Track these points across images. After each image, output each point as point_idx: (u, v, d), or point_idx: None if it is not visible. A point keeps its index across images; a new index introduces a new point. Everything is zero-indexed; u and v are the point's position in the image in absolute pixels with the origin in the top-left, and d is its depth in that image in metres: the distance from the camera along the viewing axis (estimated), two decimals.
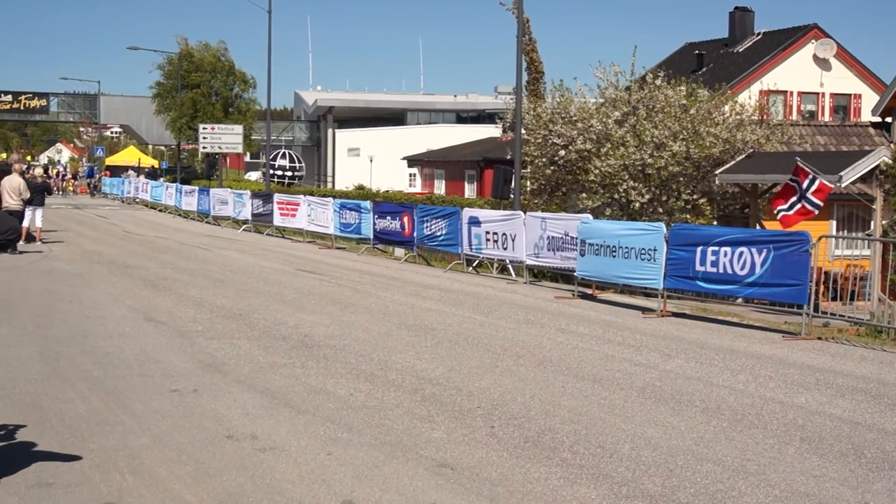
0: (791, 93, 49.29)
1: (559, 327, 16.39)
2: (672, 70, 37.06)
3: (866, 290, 20.74)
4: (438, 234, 27.12)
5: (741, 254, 16.81)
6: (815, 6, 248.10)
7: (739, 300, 18.62)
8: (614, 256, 19.53)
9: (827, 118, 47.53)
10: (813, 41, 49.53)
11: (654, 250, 18.53)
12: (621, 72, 30.30)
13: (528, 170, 31.15)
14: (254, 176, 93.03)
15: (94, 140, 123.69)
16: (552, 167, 30.15)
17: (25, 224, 28.05)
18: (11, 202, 26.87)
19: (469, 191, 56.96)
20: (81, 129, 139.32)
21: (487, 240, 24.89)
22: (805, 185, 19.99)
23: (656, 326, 16.85)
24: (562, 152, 29.19)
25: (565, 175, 30.05)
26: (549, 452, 8.79)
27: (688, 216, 27.02)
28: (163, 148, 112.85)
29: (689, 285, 18.18)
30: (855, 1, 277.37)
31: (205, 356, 12.91)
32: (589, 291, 20.94)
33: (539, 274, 24.87)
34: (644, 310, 18.76)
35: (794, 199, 20.04)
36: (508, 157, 30.39)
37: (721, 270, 17.18)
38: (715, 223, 27.84)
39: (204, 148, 58.16)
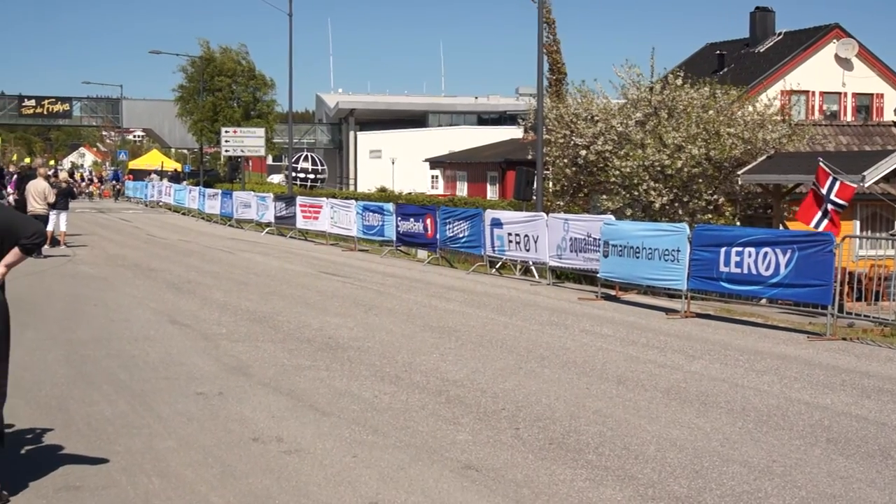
0: (813, 93, 49.12)
1: (583, 329, 16.37)
2: (693, 71, 36.98)
3: (891, 290, 20.66)
4: (461, 235, 27.12)
5: (765, 254, 16.76)
6: (837, 6, 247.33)
7: (763, 301, 18.56)
8: (637, 257, 19.50)
9: (849, 118, 47.32)
10: (834, 41, 49.34)
11: (678, 251, 18.50)
12: (642, 74, 30.26)
13: (550, 171, 31.13)
14: (276, 179, 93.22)
15: (117, 144, 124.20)
16: (574, 168, 30.13)
17: (50, 228, 28.17)
18: (37, 206, 27.00)
19: (491, 192, 56.93)
20: (104, 133, 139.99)
21: (510, 241, 24.86)
22: (826, 188, 19.92)
23: (680, 327, 16.82)
24: (583, 152, 29.17)
25: (587, 176, 30.03)
26: (574, 454, 8.78)
27: (709, 217, 26.95)
28: (185, 151, 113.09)
29: (712, 286, 18.14)
30: (877, 0, 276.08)
31: (229, 359, 12.96)
32: (612, 292, 20.91)
33: (562, 275, 24.85)
34: (668, 311, 18.73)
35: (819, 214, 19.92)
36: (530, 156, 30.35)
37: (745, 271, 17.13)
38: (737, 224, 27.76)
39: (226, 151, 58.32)
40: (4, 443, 7.79)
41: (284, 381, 11.57)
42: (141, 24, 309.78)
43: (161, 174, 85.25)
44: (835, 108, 49.85)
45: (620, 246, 20.01)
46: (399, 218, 30.31)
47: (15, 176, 33.82)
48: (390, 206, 31.46)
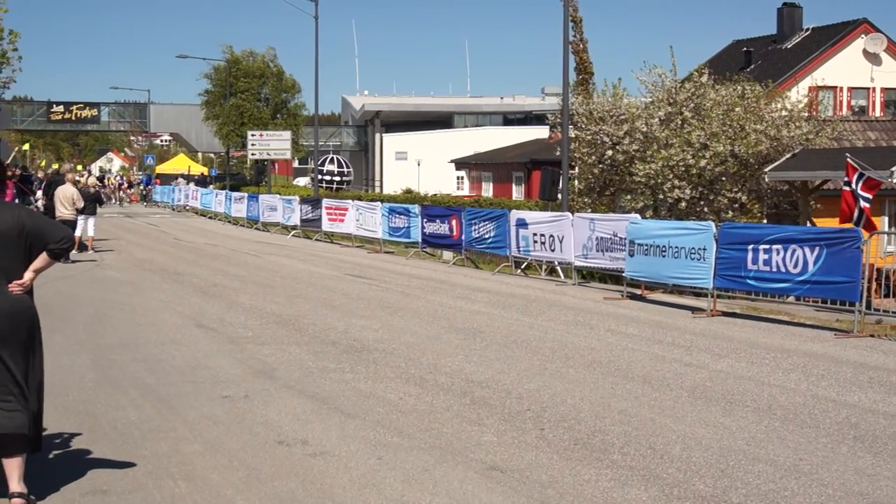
0: (841, 88, 48.88)
1: (608, 328, 16.34)
2: (719, 68, 36.87)
3: None
4: (486, 236, 27.11)
5: (793, 252, 16.71)
6: (865, 1, 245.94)
7: (791, 298, 18.47)
8: (663, 256, 19.45)
9: (878, 113, 47.11)
10: (863, 36, 49.09)
11: (704, 249, 18.44)
12: (664, 73, 30.16)
13: (577, 169, 31.09)
14: (302, 181, 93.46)
15: (145, 149, 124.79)
16: (600, 166, 30.09)
17: (77, 233, 28.28)
18: (65, 212, 27.13)
19: (517, 193, 56.93)
20: (132, 137, 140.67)
21: (535, 241, 24.83)
22: (854, 182, 19.82)
23: (706, 326, 16.77)
24: (609, 152, 29.12)
25: (613, 175, 29.98)
26: (599, 454, 8.77)
27: (735, 214, 26.86)
28: (212, 155, 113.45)
29: (739, 284, 18.07)
30: None
31: (255, 362, 12.99)
32: (638, 292, 20.86)
33: (588, 275, 24.79)
34: (693, 309, 18.67)
35: (856, 212, 19.76)
36: (557, 153, 30.30)
37: (773, 269, 17.08)
38: (765, 221, 27.66)
39: (252, 154, 58.46)
40: (41, 446, 7.85)
41: (309, 384, 11.59)
42: (168, 28, 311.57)
43: (188, 178, 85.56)
44: (863, 103, 49.60)
45: (646, 245, 19.96)
46: (424, 219, 30.32)
47: (43, 181, 33.97)
48: (416, 208, 31.48)
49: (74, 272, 24.22)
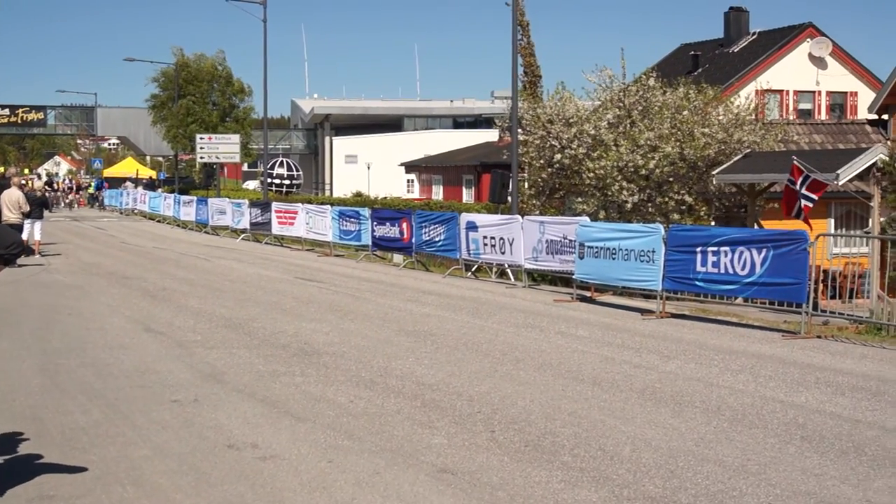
0: (787, 92, 49.31)
1: (558, 330, 16.39)
2: (668, 71, 37.09)
3: (865, 288, 20.74)
4: (437, 239, 27.12)
5: (741, 254, 16.85)
6: (811, 5, 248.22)
7: (738, 300, 18.61)
8: (613, 259, 19.54)
9: (823, 116, 47.53)
10: (808, 40, 49.57)
11: (653, 252, 18.55)
12: (613, 75, 30.30)
13: (527, 173, 31.16)
14: (252, 185, 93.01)
15: (92, 152, 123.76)
16: (549, 169, 30.17)
17: (24, 237, 28.00)
18: (11, 216, 26.89)
19: (467, 196, 56.96)
20: (79, 141, 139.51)
21: (485, 244, 24.88)
22: (799, 183, 20.00)
23: (655, 328, 16.86)
24: (558, 155, 29.21)
25: (562, 178, 30.07)
26: (549, 456, 8.79)
27: (683, 217, 27.01)
28: (161, 159, 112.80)
29: (687, 286, 18.19)
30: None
31: (204, 366, 12.92)
32: (588, 294, 20.94)
33: (538, 277, 24.86)
34: (643, 311, 18.77)
35: (795, 207, 20.02)
36: (505, 157, 30.40)
37: (721, 271, 17.22)
38: (713, 223, 27.83)
39: (201, 158, 58.11)
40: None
41: (259, 388, 11.54)
42: (115, 31, 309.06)
43: (136, 182, 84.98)
44: (809, 106, 50.04)
45: (596, 247, 20.04)
46: (375, 222, 30.30)
47: None
48: (366, 211, 31.45)
49: (21, 276, 24.00)
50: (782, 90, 48.79)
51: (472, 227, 25.54)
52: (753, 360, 13.70)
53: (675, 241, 18.22)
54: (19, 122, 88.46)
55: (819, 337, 15.77)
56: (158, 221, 54.57)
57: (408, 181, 72.72)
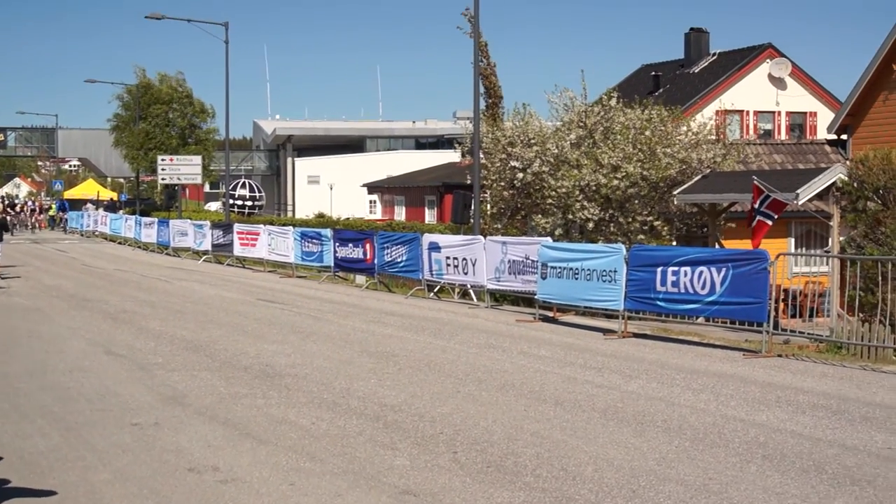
0: (747, 112, 49.61)
1: (521, 351, 16.40)
2: (629, 92, 37.26)
3: (825, 307, 20.87)
4: (399, 260, 27.12)
5: (701, 273, 16.92)
6: (770, 26, 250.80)
7: (700, 319, 18.69)
8: (576, 279, 19.57)
9: (783, 136, 47.84)
10: (768, 60, 49.91)
11: (615, 272, 18.60)
12: (575, 96, 30.39)
13: (488, 194, 31.20)
14: (214, 206, 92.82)
15: (53, 174, 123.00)
16: (511, 190, 30.21)
17: None
18: None
19: (429, 216, 57.00)
20: (39, 163, 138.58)
21: (448, 265, 24.89)
22: (758, 203, 20.17)
23: (617, 347, 16.90)
24: (520, 175, 29.26)
25: (524, 198, 30.11)
26: (511, 476, 8.78)
27: (645, 237, 27.10)
28: (122, 180, 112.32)
29: (649, 306, 18.23)
30: (808, 20, 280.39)
31: (165, 388, 12.84)
32: (550, 314, 20.97)
33: (500, 298, 24.88)
34: (605, 331, 18.81)
35: (753, 222, 20.22)
36: (468, 179, 30.48)
37: (682, 290, 17.28)
38: (674, 243, 27.93)
39: (163, 179, 57.90)
40: None
41: (221, 410, 11.49)
42: (77, 53, 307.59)
43: (97, 203, 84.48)
44: (769, 126, 50.35)
45: (559, 268, 20.08)
46: (337, 243, 30.26)
47: None
48: (328, 232, 31.40)
49: None
50: (743, 110, 49.10)
51: (434, 247, 25.55)
52: (715, 379, 13.75)
53: (637, 261, 18.28)
54: None
55: (780, 356, 15.85)
56: (119, 243, 54.25)
57: (370, 202, 72.70)
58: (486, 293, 23.97)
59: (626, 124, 28.33)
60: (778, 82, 49.96)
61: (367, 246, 28.56)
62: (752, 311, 16.23)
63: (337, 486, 8.50)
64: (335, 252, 30.23)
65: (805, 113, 50.77)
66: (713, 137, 29.65)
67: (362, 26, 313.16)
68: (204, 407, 11.68)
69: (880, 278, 16.65)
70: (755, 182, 20.56)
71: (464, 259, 24.29)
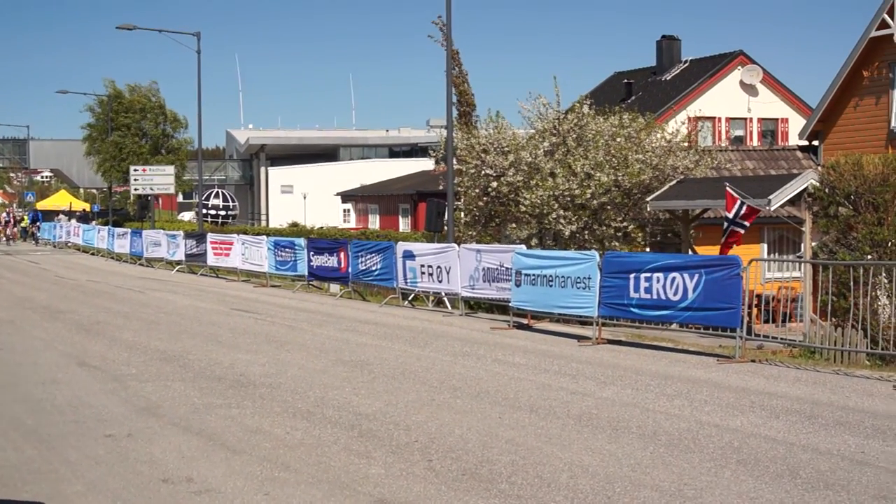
0: (719, 119, 49.77)
1: (495, 358, 16.40)
2: (601, 99, 37.34)
3: (798, 312, 20.96)
4: (373, 268, 27.09)
5: (674, 279, 16.95)
6: (741, 33, 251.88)
7: (674, 325, 18.75)
8: (550, 286, 19.59)
9: (755, 143, 48.04)
10: (739, 67, 50.09)
11: (589, 279, 18.62)
12: (547, 104, 30.44)
13: (462, 201, 31.23)
14: (187, 216, 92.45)
15: (25, 185, 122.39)
16: (485, 198, 30.24)
17: None
18: None
19: (403, 225, 57.00)
20: (11, 174, 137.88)
21: (422, 273, 24.88)
22: (732, 213, 20.27)
23: (592, 354, 16.92)
24: (494, 183, 29.29)
25: (498, 206, 30.16)
26: (487, 484, 8.78)
27: (619, 244, 27.17)
28: (94, 191, 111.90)
29: (623, 312, 18.25)
30: (779, 27, 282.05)
31: (139, 399, 12.79)
32: (525, 321, 20.99)
33: (475, 305, 24.89)
34: (579, 338, 18.83)
35: (724, 234, 20.35)
36: (441, 186, 30.49)
37: (655, 297, 17.31)
38: (647, 250, 28.02)
39: (135, 190, 57.68)
40: None
41: (195, 421, 11.44)
42: (48, 64, 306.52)
43: (69, 214, 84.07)
44: (741, 133, 50.52)
45: (532, 275, 20.10)
46: (311, 252, 30.21)
47: None
48: (302, 241, 31.35)
49: None
50: (715, 117, 49.26)
51: (408, 255, 25.54)
52: (689, 384, 13.78)
53: (611, 268, 18.30)
54: None
55: (753, 361, 15.90)
56: (92, 254, 54.01)
57: (344, 211, 72.69)
58: (460, 301, 23.97)
59: (598, 130, 28.41)
60: (749, 89, 50.15)
61: (342, 255, 28.53)
62: (726, 316, 16.26)
63: (312, 495, 8.48)
64: (309, 261, 30.19)
65: (777, 119, 50.97)
66: (686, 144, 29.76)
67: (335, 35, 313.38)
68: (178, 418, 11.63)
69: (852, 283, 16.74)
70: (728, 189, 20.66)
71: (438, 267, 24.28)
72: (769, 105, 50.52)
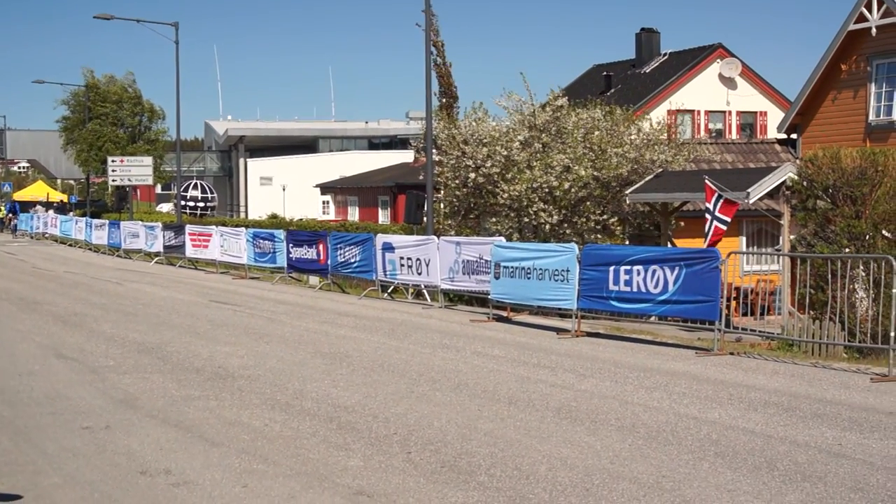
0: (698, 112, 49.84)
1: (475, 351, 16.41)
2: (581, 92, 37.37)
3: (777, 305, 21.03)
4: (352, 261, 27.04)
5: (653, 272, 16.96)
6: (720, 26, 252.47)
7: (653, 318, 18.78)
8: (528, 278, 19.59)
9: (734, 136, 48.13)
10: (718, 60, 50.17)
11: (567, 271, 18.62)
12: (523, 100, 30.39)
13: (442, 193, 31.19)
14: (165, 208, 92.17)
15: (1, 176, 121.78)
16: (464, 189, 30.22)
17: None
18: None
19: (383, 217, 56.92)
20: None
21: (402, 265, 24.86)
22: (711, 204, 20.31)
23: (571, 347, 16.93)
24: (473, 174, 29.26)
25: (477, 198, 30.13)
26: (466, 476, 8.78)
27: (599, 237, 27.19)
28: (72, 182, 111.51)
29: (602, 305, 18.27)
30: (757, 20, 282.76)
31: (117, 392, 12.75)
32: (504, 314, 20.99)
33: (455, 298, 24.88)
34: (559, 330, 18.85)
35: (708, 231, 20.38)
36: (421, 177, 30.47)
37: (634, 289, 17.32)
38: (627, 242, 28.05)
39: (113, 181, 57.51)
40: None
41: (173, 413, 11.41)
42: (24, 54, 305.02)
43: (47, 205, 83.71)
44: (720, 126, 50.62)
45: (511, 267, 20.09)
46: (290, 244, 30.14)
47: None
48: (281, 233, 31.28)
49: None
50: (694, 110, 49.32)
51: (388, 247, 25.51)
52: (667, 377, 13.81)
53: (589, 260, 18.31)
54: None
55: (732, 354, 15.94)
56: (70, 245, 53.81)
57: (323, 202, 72.54)
58: (439, 293, 23.96)
59: (577, 123, 28.39)
60: (728, 82, 50.24)
61: (321, 246, 28.47)
62: (705, 309, 16.29)
63: (290, 487, 8.47)
64: (288, 253, 30.12)
65: (755, 112, 51.07)
66: (664, 137, 29.78)
67: (314, 26, 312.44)
68: (156, 410, 11.60)
69: (830, 276, 16.78)
70: (706, 182, 20.69)
71: (417, 259, 24.26)
72: (748, 98, 50.61)
